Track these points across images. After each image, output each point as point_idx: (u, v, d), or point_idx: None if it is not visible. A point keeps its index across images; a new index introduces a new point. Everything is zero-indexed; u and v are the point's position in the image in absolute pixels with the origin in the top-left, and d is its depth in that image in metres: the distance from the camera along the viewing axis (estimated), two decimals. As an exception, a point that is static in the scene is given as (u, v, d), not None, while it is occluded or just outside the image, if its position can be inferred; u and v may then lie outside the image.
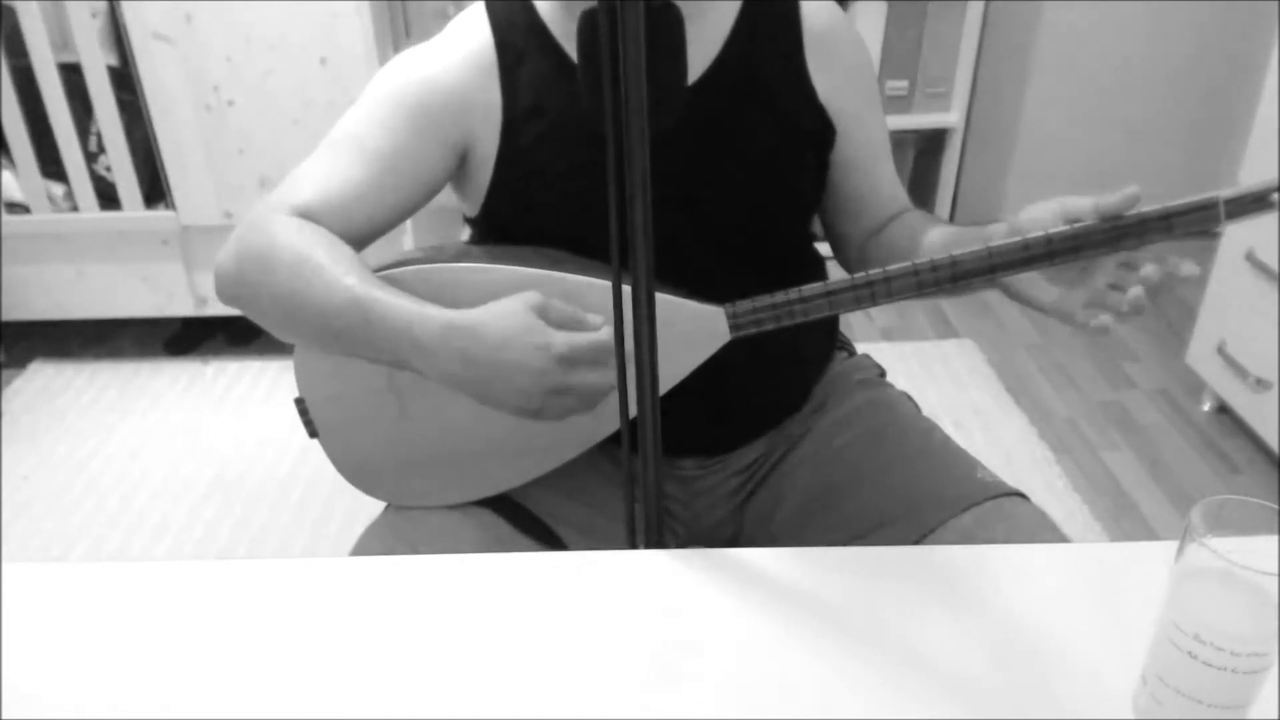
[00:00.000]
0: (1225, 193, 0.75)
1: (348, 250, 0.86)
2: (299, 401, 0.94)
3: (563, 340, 0.77)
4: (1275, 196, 0.74)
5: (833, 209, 1.03)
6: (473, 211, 0.98)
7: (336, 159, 0.91)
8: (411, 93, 0.91)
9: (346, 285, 0.82)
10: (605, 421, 0.88)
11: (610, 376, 0.79)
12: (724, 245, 0.94)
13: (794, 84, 0.94)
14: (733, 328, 0.85)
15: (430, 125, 0.91)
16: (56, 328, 2.54)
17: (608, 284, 0.84)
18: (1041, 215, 0.79)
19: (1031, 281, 0.83)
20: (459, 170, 0.95)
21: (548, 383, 0.78)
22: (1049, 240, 0.77)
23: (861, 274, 0.81)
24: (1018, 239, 0.78)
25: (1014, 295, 0.85)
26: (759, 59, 0.93)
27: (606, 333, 0.78)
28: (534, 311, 0.78)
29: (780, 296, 0.82)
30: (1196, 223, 0.75)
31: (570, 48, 0.91)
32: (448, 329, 0.80)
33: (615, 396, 0.83)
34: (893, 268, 0.80)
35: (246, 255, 0.87)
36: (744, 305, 0.84)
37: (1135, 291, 0.76)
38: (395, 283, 0.86)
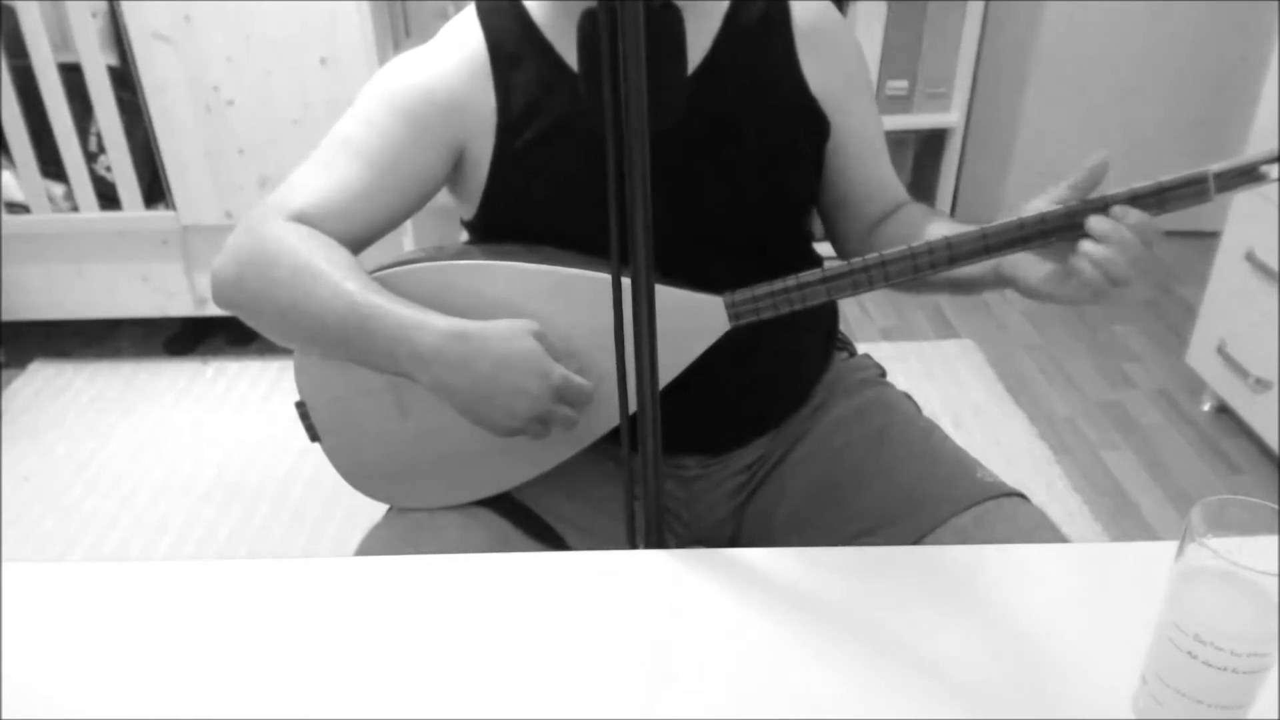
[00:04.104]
0: (1215, 166, 0.76)
1: (347, 255, 0.87)
2: (300, 405, 0.94)
3: (561, 373, 0.81)
4: (1264, 169, 0.74)
5: (831, 204, 1.03)
6: (468, 214, 0.98)
7: (332, 163, 0.91)
8: (406, 96, 0.91)
9: (346, 291, 0.82)
10: (606, 417, 0.88)
11: (579, 416, 0.84)
12: (722, 244, 0.94)
13: (786, 78, 0.94)
14: (731, 317, 0.85)
15: (425, 127, 0.91)
16: (56, 328, 2.54)
17: (606, 277, 0.84)
18: (1035, 206, 0.80)
19: (1029, 268, 0.83)
20: (454, 172, 0.95)
21: (537, 409, 0.81)
22: (1043, 219, 0.78)
23: (859, 259, 0.81)
24: (1013, 219, 0.79)
25: (1022, 288, 0.84)
26: (749, 54, 0.93)
27: (589, 384, 0.83)
28: (535, 339, 0.81)
29: (778, 284, 0.83)
30: (1188, 196, 0.77)
31: (563, 49, 0.91)
32: (452, 337, 0.80)
33: (614, 391, 0.83)
34: (889, 252, 0.80)
35: (245, 261, 0.87)
36: (743, 294, 0.84)
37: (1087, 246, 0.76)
38: (393, 281, 0.86)
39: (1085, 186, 0.78)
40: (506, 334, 0.81)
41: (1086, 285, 0.77)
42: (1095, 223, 0.76)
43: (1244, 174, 0.75)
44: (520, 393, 0.80)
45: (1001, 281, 0.86)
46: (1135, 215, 0.76)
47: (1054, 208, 0.78)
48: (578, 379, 0.82)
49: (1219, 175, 0.75)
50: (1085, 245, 0.76)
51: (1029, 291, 0.83)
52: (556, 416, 0.83)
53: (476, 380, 0.80)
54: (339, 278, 0.83)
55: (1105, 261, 0.76)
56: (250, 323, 0.90)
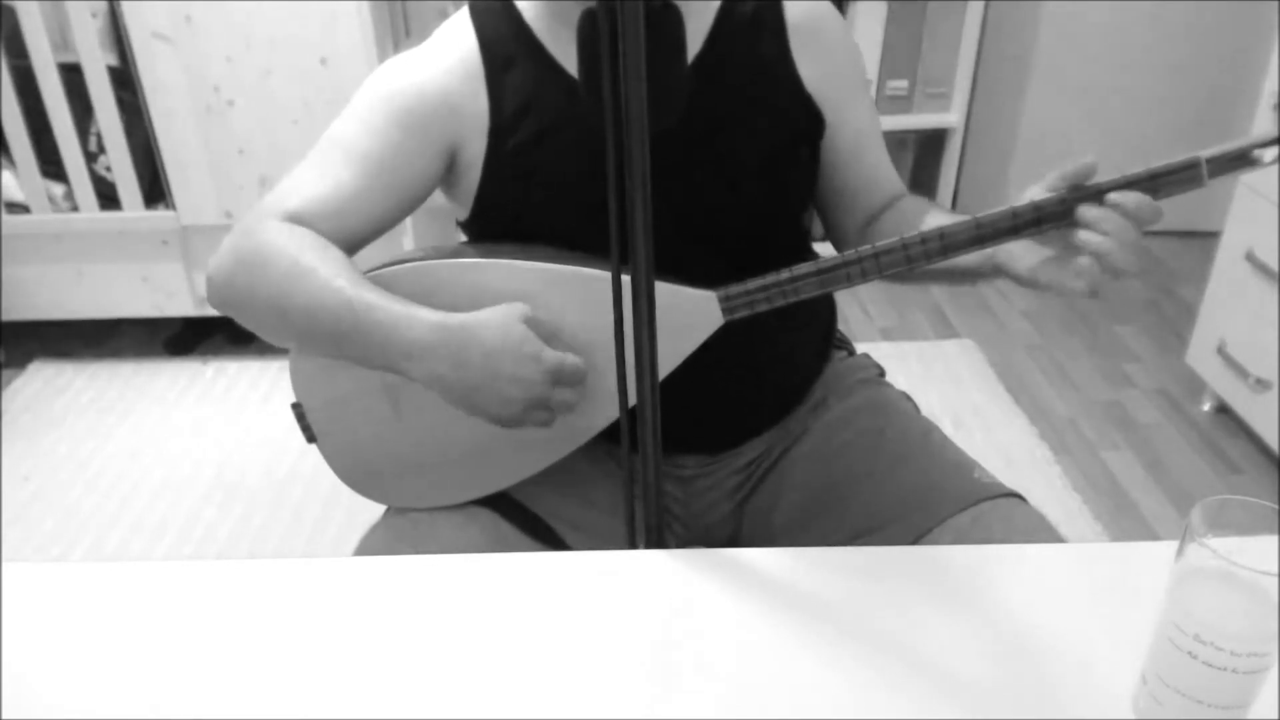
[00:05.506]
0: (1207, 152, 0.75)
1: (338, 253, 0.87)
2: (296, 407, 0.94)
3: (553, 356, 0.80)
4: (1256, 154, 0.74)
5: (828, 199, 1.03)
6: (463, 215, 0.99)
7: (327, 164, 0.91)
8: (399, 97, 0.91)
9: (337, 287, 0.82)
10: (602, 413, 0.88)
11: (577, 397, 0.83)
12: (720, 243, 0.93)
13: (780, 75, 0.94)
14: (725, 311, 0.85)
15: (418, 128, 0.91)
16: (56, 328, 2.54)
17: (605, 275, 0.84)
18: (1028, 194, 0.80)
19: (1024, 256, 0.83)
20: (448, 174, 0.96)
21: (533, 394, 0.81)
22: (1036, 208, 0.77)
23: (851, 251, 0.81)
24: (1005, 208, 0.78)
25: (1015, 276, 0.84)
26: (743, 52, 0.93)
27: (582, 360, 0.83)
28: (525, 323, 0.81)
29: (771, 278, 0.83)
30: (1180, 182, 0.76)
31: (556, 51, 0.92)
32: (439, 330, 0.80)
33: (614, 389, 0.83)
34: (881, 244, 0.80)
35: (239, 262, 0.87)
36: (736, 288, 0.84)
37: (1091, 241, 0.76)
38: (388, 280, 0.86)
39: (1076, 179, 0.77)
40: (495, 321, 0.81)
41: (1082, 276, 0.76)
42: (1085, 211, 0.75)
43: (1236, 159, 0.75)
44: (513, 379, 0.80)
45: (997, 271, 0.86)
46: (1133, 198, 0.75)
47: (1047, 196, 0.78)
48: (571, 358, 0.81)
49: (1211, 160, 0.75)
50: (1081, 235, 0.76)
51: (1023, 280, 0.83)
52: (554, 400, 0.82)
53: (468, 371, 0.80)
54: (330, 275, 0.83)
55: (1101, 250, 0.75)
56: (244, 322, 0.90)
